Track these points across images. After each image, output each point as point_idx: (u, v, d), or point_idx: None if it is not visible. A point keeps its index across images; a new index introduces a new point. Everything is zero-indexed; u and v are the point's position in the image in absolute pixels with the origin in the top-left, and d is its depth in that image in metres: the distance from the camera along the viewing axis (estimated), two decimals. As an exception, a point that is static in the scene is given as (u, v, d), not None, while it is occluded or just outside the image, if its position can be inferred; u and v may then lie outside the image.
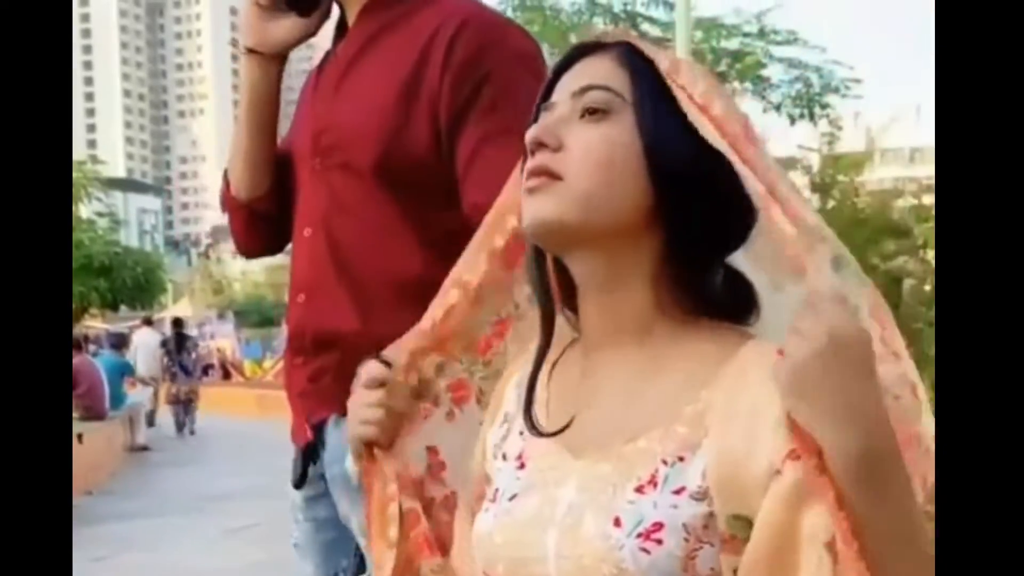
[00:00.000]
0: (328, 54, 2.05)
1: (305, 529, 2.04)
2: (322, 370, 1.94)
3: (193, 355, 18.65)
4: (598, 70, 1.23)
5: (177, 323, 19.81)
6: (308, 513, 2.03)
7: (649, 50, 1.23)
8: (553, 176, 1.19)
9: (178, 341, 18.35)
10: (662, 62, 1.22)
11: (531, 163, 1.21)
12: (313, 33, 2.05)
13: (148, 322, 20.32)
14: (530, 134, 1.22)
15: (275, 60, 2.04)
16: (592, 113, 1.21)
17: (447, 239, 1.76)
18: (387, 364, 1.74)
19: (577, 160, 1.19)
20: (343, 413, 1.88)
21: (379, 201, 1.88)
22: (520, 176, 1.25)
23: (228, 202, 2.13)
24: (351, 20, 2.01)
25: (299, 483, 2.01)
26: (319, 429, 1.96)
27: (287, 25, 2.02)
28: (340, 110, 1.95)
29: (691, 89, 1.20)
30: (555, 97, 1.25)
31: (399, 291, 1.85)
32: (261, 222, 2.12)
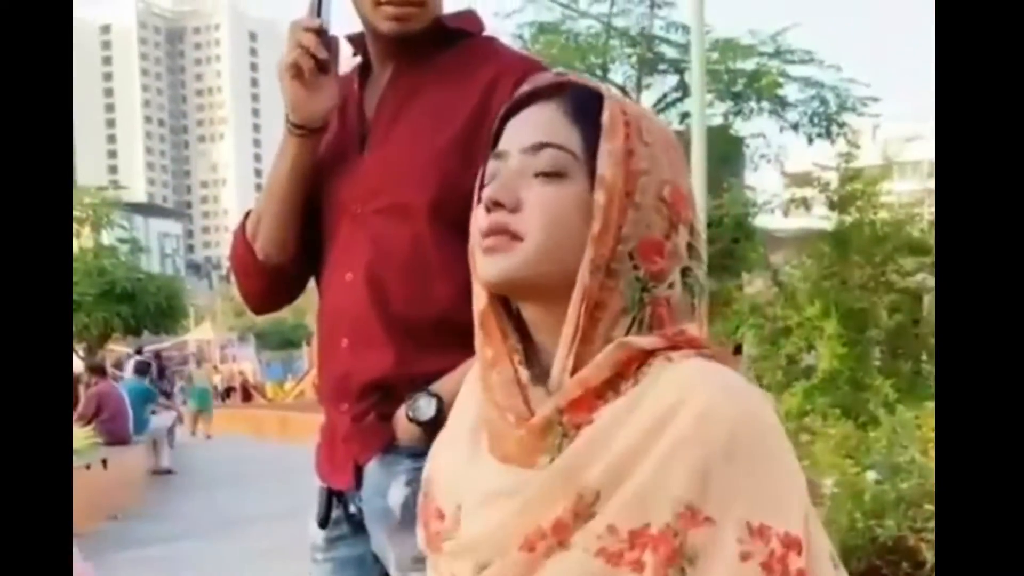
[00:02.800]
0: (346, 101, 2.03)
1: (324, 569, 2.05)
2: (365, 411, 1.96)
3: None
4: (548, 121, 1.24)
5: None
6: (328, 554, 2.03)
7: (609, 111, 1.23)
8: (513, 236, 1.21)
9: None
10: (616, 139, 1.22)
11: (489, 222, 1.23)
12: (339, 92, 1.99)
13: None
14: (487, 194, 1.24)
15: (321, 133, 1.99)
16: (547, 175, 1.22)
17: None
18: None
19: (535, 220, 1.21)
20: (386, 450, 1.92)
21: (427, 243, 1.91)
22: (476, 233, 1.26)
23: (251, 266, 2.08)
24: (384, 68, 2.02)
25: (325, 522, 2.02)
26: (357, 468, 1.98)
27: (328, 91, 1.96)
28: (391, 155, 1.97)
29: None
30: (504, 145, 1.26)
31: (437, 331, 1.89)
32: (286, 281, 2.11)
